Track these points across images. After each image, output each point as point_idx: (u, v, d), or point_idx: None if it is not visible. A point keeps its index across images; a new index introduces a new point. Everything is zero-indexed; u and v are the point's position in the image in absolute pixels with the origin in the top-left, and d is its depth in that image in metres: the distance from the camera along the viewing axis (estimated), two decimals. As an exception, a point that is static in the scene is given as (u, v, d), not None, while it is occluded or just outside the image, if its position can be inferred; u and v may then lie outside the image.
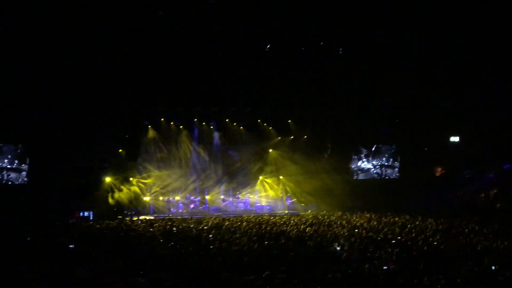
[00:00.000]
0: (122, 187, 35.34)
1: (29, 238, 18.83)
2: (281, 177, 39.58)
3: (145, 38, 26.70)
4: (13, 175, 33.35)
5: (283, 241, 20.35)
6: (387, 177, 41.73)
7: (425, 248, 18.55)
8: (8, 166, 33.21)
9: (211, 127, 38.71)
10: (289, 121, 39.53)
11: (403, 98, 35.98)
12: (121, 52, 28.66)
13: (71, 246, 16.33)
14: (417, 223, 26.26)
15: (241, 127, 39.03)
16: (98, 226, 26.54)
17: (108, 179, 34.86)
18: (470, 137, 39.89)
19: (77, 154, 32.91)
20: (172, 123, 37.53)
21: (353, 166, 41.42)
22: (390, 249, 18.17)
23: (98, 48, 28.19)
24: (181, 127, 37.86)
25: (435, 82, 34.50)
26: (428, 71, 33.14)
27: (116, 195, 34.77)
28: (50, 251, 13.35)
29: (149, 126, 36.92)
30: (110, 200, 34.19)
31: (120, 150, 35.66)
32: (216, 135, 39.02)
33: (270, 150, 39.91)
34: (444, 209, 33.03)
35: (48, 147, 32.64)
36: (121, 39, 27.24)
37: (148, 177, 36.99)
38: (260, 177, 39.70)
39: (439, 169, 42.10)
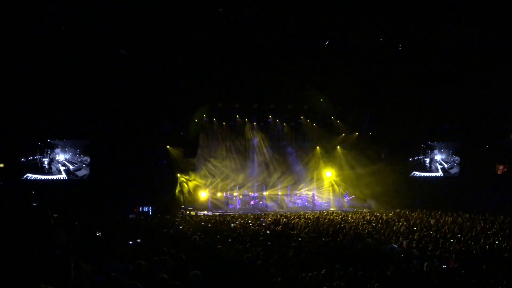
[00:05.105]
0: (180, 183, 35.76)
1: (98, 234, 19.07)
2: (337, 174, 39.34)
3: (204, 38, 26.86)
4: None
5: (340, 238, 20.29)
6: (446, 175, 41.03)
7: (487, 247, 18.19)
8: (72, 161, 34.02)
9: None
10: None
11: (464, 95, 35.24)
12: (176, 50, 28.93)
13: (130, 242, 16.54)
14: (478, 221, 25.76)
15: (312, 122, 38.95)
16: (157, 220, 26.97)
17: (168, 175, 35.31)
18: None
19: (137, 150, 33.42)
20: (223, 123, 37.66)
21: (412, 163, 40.83)
22: (450, 248, 17.92)
23: (152, 49, 28.55)
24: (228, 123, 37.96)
25: (495, 79, 33.67)
26: (488, 67, 32.37)
27: (175, 191, 35.19)
28: (111, 245, 13.59)
29: (208, 123, 37.15)
30: (169, 196, 34.56)
31: (179, 147, 36.08)
32: (279, 129, 38.96)
33: (317, 148, 39.69)
34: (506, 208, 32.24)
35: (109, 143, 33.24)
36: (182, 40, 27.47)
37: (206, 173, 37.30)
38: (317, 175, 39.54)
39: (501, 167, 41.12)
